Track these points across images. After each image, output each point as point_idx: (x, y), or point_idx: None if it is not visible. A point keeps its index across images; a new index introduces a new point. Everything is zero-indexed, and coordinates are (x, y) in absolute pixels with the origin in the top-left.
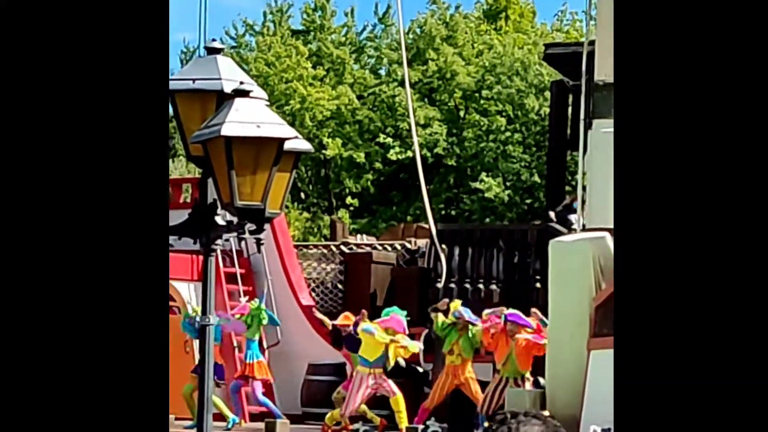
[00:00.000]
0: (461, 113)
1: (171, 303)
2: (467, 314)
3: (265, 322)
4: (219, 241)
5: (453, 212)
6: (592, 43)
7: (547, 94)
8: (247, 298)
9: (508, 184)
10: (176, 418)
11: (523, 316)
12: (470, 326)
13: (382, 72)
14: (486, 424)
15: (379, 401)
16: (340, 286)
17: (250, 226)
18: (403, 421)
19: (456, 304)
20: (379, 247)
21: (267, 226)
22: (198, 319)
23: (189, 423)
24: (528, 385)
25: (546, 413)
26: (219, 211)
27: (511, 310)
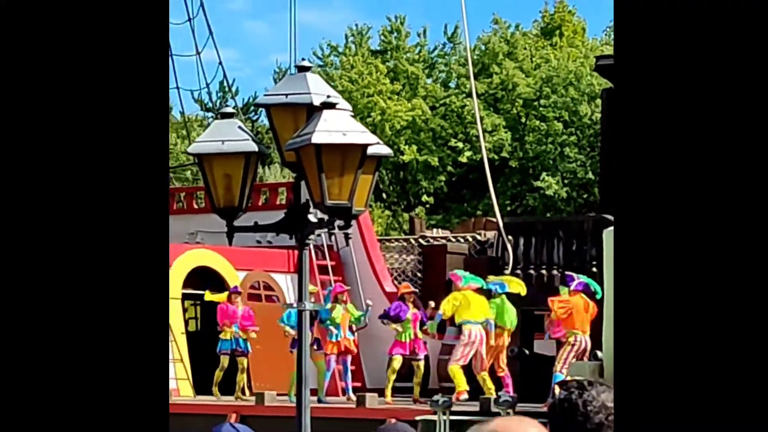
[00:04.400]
0: (523, 120)
1: (270, 293)
2: (494, 287)
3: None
4: (312, 237)
5: (517, 208)
6: None
7: (599, 101)
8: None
9: (565, 181)
10: (278, 394)
11: (575, 275)
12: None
13: (452, 85)
14: (557, 392)
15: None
16: (418, 274)
17: (338, 222)
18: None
19: (492, 278)
20: (453, 239)
21: (353, 223)
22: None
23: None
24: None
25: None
26: (311, 210)
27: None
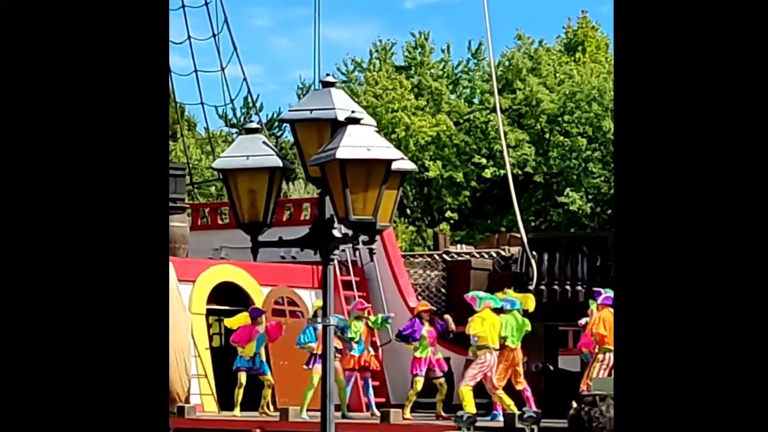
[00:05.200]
0: (546, 135)
1: (294, 308)
2: (504, 303)
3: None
4: (336, 252)
5: (541, 223)
6: None
7: None
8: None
9: (589, 197)
10: (307, 410)
11: (602, 290)
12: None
13: (476, 101)
14: (574, 405)
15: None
16: (443, 290)
17: (363, 237)
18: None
19: (506, 293)
20: (477, 255)
21: (378, 238)
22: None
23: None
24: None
25: None
26: (335, 225)
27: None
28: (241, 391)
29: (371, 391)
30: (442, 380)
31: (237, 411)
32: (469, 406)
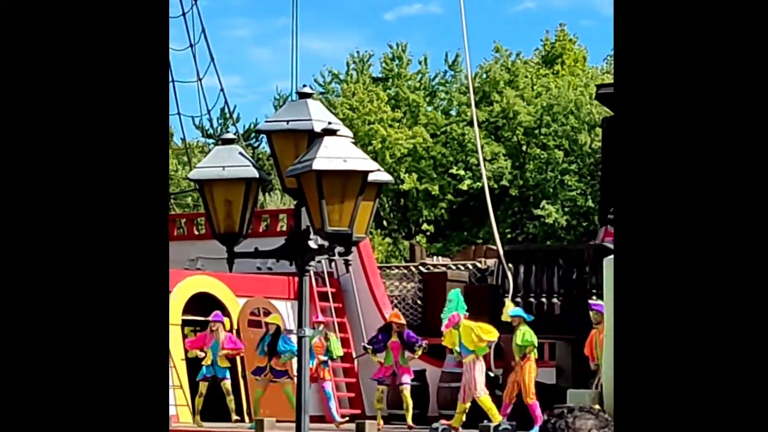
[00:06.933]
0: (523, 148)
1: None
2: (518, 313)
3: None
4: (312, 263)
5: (518, 236)
6: None
7: (598, 130)
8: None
9: (565, 209)
10: (277, 421)
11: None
12: (521, 325)
13: (453, 113)
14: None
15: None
16: (419, 302)
17: (339, 249)
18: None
19: (509, 306)
20: (453, 267)
21: (354, 250)
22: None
23: (251, 424)
24: None
25: (597, 407)
26: (311, 236)
27: (596, 300)
28: (201, 400)
29: (332, 401)
30: (406, 389)
31: (197, 419)
32: (496, 417)
